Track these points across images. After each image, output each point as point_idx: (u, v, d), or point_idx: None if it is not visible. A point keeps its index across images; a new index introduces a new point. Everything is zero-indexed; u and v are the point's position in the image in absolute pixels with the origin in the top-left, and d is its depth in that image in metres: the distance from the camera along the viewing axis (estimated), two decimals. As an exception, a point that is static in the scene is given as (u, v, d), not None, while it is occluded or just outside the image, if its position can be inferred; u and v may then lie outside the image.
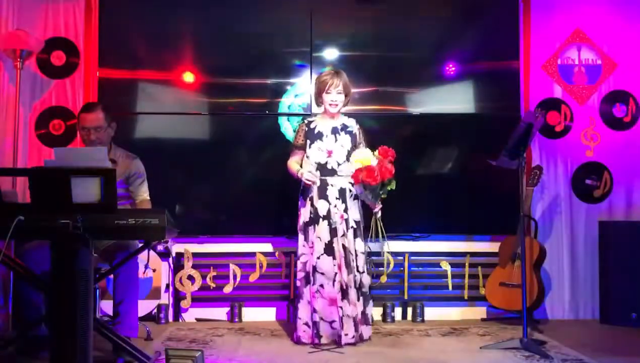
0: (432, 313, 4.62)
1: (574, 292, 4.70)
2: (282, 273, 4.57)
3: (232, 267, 4.55)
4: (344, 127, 3.88)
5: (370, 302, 3.88)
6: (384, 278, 4.61)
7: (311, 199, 3.79)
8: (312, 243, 3.74)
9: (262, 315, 4.57)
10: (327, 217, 3.74)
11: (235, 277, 4.55)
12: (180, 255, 4.53)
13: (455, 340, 3.97)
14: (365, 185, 3.66)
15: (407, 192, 4.62)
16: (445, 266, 4.66)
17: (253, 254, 4.59)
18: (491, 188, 4.52)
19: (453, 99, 4.71)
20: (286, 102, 4.62)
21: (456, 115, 4.71)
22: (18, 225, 2.53)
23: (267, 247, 4.60)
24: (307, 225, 3.80)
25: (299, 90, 4.63)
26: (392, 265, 4.61)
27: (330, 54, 4.67)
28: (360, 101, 4.64)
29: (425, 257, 4.70)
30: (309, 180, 3.75)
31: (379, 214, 3.79)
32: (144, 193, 3.75)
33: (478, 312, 4.66)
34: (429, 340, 3.97)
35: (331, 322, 3.70)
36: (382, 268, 4.59)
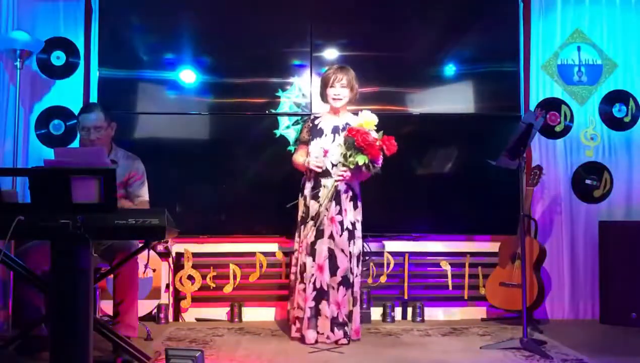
0: (432, 313, 4.62)
1: (574, 292, 4.70)
2: (282, 273, 4.57)
3: (232, 267, 4.55)
4: (345, 127, 3.81)
5: (358, 304, 3.86)
6: (383, 278, 4.61)
7: (305, 198, 3.82)
8: (302, 242, 3.80)
9: (262, 315, 4.57)
10: (316, 218, 3.73)
11: (235, 277, 4.55)
12: (180, 255, 4.53)
13: (455, 340, 3.97)
14: (349, 140, 3.61)
15: (407, 191, 4.64)
16: (445, 266, 4.66)
17: (253, 254, 4.59)
18: (491, 189, 4.52)
19: (453, 99, 4.71)
20: (286, 102, 4.62)
21: (456, 115, 4.71)
22: (18, 225, 2.52)
23: (267, 247, 4.59)
24: (300, 223, 3.84)
25: (299, 90, 4.63)
26: (392, 265, 4.61)
27: (330, 54, 4.67)
28: (360, 101, 4.61)
29: (425, 257, 4.70)
30: (317, 166, 3.74)
31: (338, 184, 3.73)
32: (143, 195, 3.74)
33: (478, 312, 4.66)
34: (429, 340, 3.97)
35: (309, 320, 3.72)
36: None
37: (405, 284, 4.62)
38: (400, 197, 4.61)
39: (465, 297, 4.66)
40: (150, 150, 4.36)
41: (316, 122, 3.90)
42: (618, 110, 4.78)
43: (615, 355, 3.62)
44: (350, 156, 3.64)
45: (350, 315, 3.76)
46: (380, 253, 4.61)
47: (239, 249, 4.62)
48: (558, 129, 4.77)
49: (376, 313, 4.53)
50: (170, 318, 4.48)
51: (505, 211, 4.33)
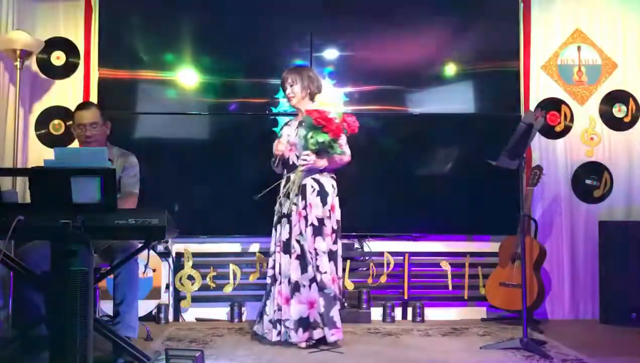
0: (432, 313, 4.62)
1: (574, 292, 4.70)
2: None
3: (232, 267, 4.55)
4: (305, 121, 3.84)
5: (337, 304, 3.69)
6: (383, 278, 4.61)
7: (279, 197, 3.83)
8: (280, 242, 3.76)
9: (262, 315, 4.57)
10: (288, 215, 3.74)
11: (235, 277, 4.55)
12: (180, 255, 4.53)
13: (455, 340, 3.97)
14: (307, 120, 3.61)
15: (407, 191, 4.64)
16: (445, 266, 4.66)
17: (253, 254, 4.59)
18: (491, 188, 4.51)
19: (453, 99, 4.72)
20: (286, 102, 4.62)
21: (456, 115, 4.71)
22: (18, 225, 2.52)
23: (267, 247, 4.58)
24: (276, 223, 3.83)
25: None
26: (392, 265, 4.61)
27: (330, 54, 4.68)
28: (360, 101, 4.64)
29: (425, 257, 4.70)
30: (278, 150, 3.82)
31: (303, 173, 3.71)
32: (131, 187, 3.69)
33: (478, 312, 4.66)
34: (429, 340, 3.97)
35: (285, 321, 3.67)
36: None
37: (405, 284, 4.62)
38: (400, 197, 4.61)
39: (465, 297, 4.66)
40: (150, 150, 4.37)
41: (289, 121, 4.00)
42: (618, 110, 4.78)
43: (615, 355, 3.62)
44: (311, 137, 3.62)
45: (326, 316, 3.63)
46: (380, 253, 4.61)
47: (239, 249, 4.62)
48: (558, 129, 4.77)
49: (376, 313, 4.53)
50: (170, 319, 4.48)
51: (505, 211, 4.33)
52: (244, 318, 4.51)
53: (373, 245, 4.61)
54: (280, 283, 3.72)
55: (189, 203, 4.55)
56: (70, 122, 4.52)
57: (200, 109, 4.63)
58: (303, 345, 3.63)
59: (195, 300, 4.54)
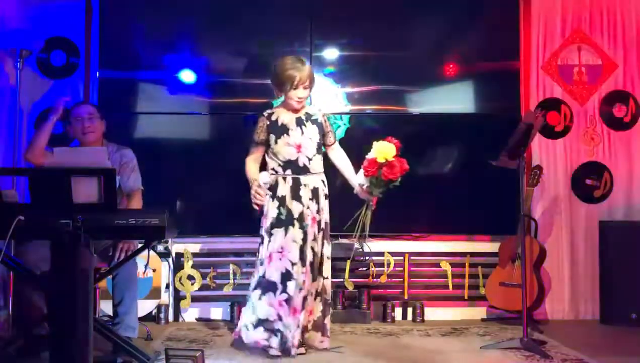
0: (432, 313, 4.62)
1: (574, 292, 4.69)
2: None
3: (232, 267, 4.55)
4: (309, 117, 3.56)
5: (330, 311, 3.63)
6: (383, 278, 4.61)
7: (281, 199, 3.46)
8: (282, 248, 3.40)
9: (262, 315, 4.57)
10: (300, 219, 3.42)
11: (235, 277, 4.55)
12: (180, 255, 4.53)
13: (455, 340, 3.96)
14: (375, 179, 3.40)
15: (407, 191, 4.60)
16: (445, 266, 4.65)
17: (253, 254, 4.58)
18: (491, 189, 4.51)
19: (453, 99, 4.72)
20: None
21: (456, 115, 4.71)
22: (18, 225, 2.52)
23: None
24: (273, 226, 3.44)
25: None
26: (392, 265, 4.60)
27: (330, 53, 4.68)
28: (360, 101, 4.64)
29: (425, 257, 4.70)
30: (256, 203, 3.46)
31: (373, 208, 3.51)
32: (134, 183, 3.70)
33: (478, 312, 4.66)
34: (429, 340, 3.97)
35: (293, 333, 3.39)
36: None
37: (405, 284, 4.62)
38: (400, 197, 4.59)
39: (465, 297, 4.66)
40: (150, 150, 4.37)
41: (273, 118, 3.54)
42: (618, 110, 4.78)
43: (615, 355, 3.62)
44: (378, 187, 3.45)
45: (320, 323, 3.53)
46: (380, 253, 4.60)
47: (239, 249, 4.62)
48: (558, 129, 4.77)
49: (376, 313, 4.52)
50: (170, 318, 4.48)
51: (505, 211, 4.33)
52: (244, 318, 4.51)
53: (373, 245, 4.60)
54: (286, 293, 3.39)
55: (189, 203, 4.56)
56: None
57: (200, 109, 4.63)
58: (303, 350, 3.46)
59: (195, 300, 4.53)
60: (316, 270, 3.49)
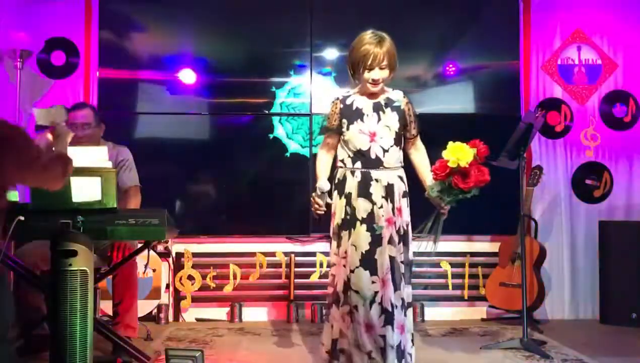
0: (432, 313, 4.62)
1: (574, 292, 4.69)
2: (281, 273, 4.56)
3: (232, 267, 4.54)
4: (389, 102, 3.01)
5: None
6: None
7: (348, 196, 2.92)
8: (346, 252, 2.88)
9: (262, 315, 4.57)
10: (368, 220, 2.87)
11: (235, 277, 4.55)
12: (180, 255, 4.53)
13: (455, 340, 3.96)
14: (445, 185, 2.94)
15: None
16: (445, 266, 4.65)
17: (253, 254, 4.58)
18: (491, 188, 4.48)
19: (453, 99, 4.72)
20: (286, 102, 4.62)
21: (456, 115, 4.71)
22: (18, 225, 2.53)
23: (267, 247, 4.59)
24: (340, 228, 2.93)
25: (299, 90, 4.63)
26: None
27: (330, 53, 4.68)
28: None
29: (425, 257, 4.69)
30: (316, 212, 2.91)
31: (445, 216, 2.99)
32: (131, 180, 3.68)
33: (478, 312, 4.66)
34: (429, 340, 3.96)
35: (368, 353, 2.80)
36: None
37: (405, 284, 4.61)
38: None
39: (465, 297, 4.66)
40: (150, 150, 4.37)
41: (347, 101, 3.00)
42: (618, 110, 4.78)
43: (615, 355, 3.62)
44: (462, 197, 2.97)
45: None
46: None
47: (239, 249, 4.61)
48: (558, 129, 4.77)
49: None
50: (170, 319, 4.48)
51: (505, 211, 4.33)
52: (243, 319, 4.51)
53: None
54: (347, 304, 2.87)
55: (189, 203, 4.56)
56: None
57: (200, 109, 4.63)
58: None
59: (195, 300, 4.53)
60: (398, 279, 2.89)
